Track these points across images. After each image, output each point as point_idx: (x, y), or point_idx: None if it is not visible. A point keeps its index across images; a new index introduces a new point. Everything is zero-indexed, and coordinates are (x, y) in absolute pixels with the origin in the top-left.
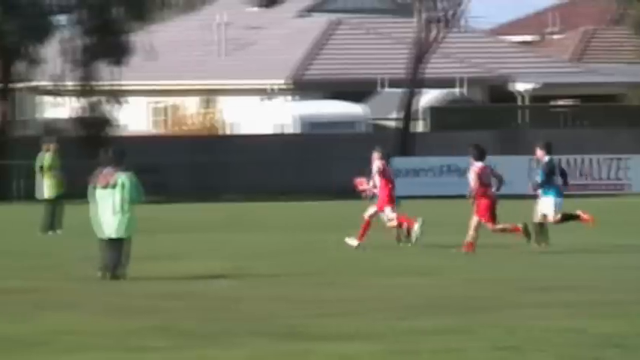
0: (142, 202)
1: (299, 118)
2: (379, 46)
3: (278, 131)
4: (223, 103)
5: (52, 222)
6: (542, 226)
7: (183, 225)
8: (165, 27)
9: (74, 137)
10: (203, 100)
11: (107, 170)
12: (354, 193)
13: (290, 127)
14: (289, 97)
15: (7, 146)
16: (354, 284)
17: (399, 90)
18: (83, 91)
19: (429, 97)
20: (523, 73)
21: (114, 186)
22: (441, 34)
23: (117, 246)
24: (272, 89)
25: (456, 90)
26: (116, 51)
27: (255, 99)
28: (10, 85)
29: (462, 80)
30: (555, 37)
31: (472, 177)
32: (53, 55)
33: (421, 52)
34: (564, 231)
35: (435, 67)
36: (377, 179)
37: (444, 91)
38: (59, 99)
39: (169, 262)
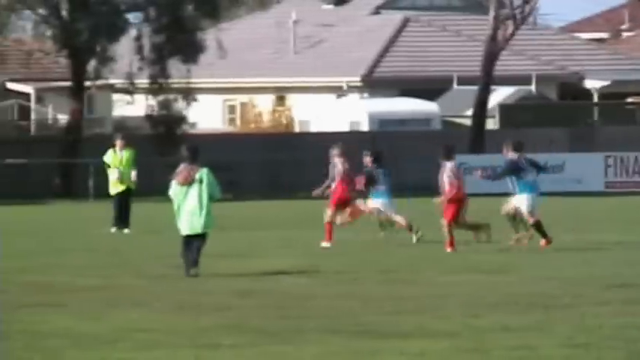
0: (219, 199)
1: (374, 115)
2: (450, 44)
3: (352, 129)
4: (294, 100)
5: (118, 219)
6: (514, 219)
7: (255, 222)
8: (237, 25)
9: (147, 135)
10: (277, 98)
11: (184, 167)
12: (428, 191)
13: (365, 125)
14: (362, 95)
15: (80, 144)
16: (424, 281)
17: (470, 87)
18: (155, 89)
19: (500, 94)
20: (592, 71)
21: (195, 182)
22: (512, 32)
23: (196, 242)
24: (347, 86)
25: (530, 87)
26: (187, 49)
27: (326, 97)
28: (83, 84)
29: (533, 77)
30: (627, 34)
31: (446, 179)
32: (125, 53)
33: (494, 50)
34: (617, 230)
35: (505, 64)
36: (336, 177)
37: (516, 88)
38: (131, 97)
39: (241, 260)
